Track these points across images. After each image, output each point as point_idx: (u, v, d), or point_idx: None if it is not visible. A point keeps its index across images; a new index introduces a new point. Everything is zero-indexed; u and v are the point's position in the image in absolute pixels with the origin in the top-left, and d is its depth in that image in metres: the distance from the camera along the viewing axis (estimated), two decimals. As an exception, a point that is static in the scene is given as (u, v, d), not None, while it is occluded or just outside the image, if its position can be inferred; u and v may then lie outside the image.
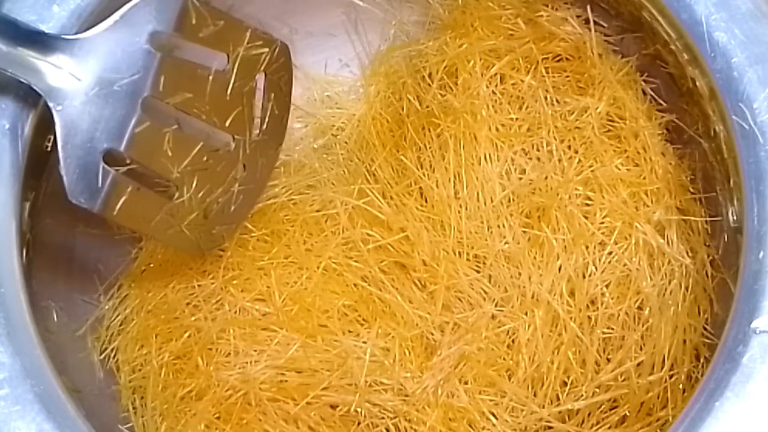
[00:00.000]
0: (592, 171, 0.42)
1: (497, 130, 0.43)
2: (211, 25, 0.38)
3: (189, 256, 0.43)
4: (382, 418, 0.40)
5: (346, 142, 0.47)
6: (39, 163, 0.38)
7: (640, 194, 0.41)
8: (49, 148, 0.38)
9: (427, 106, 0.44)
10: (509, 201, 0.42)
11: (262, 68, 0.40)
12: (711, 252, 0.39)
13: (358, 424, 0.40)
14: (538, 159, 0.43)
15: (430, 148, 0.44)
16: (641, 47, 0.42)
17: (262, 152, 0.41)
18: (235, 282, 0.42)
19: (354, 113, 0.47)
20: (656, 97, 0.42)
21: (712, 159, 0.39)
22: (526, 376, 0.40)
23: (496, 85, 0.44)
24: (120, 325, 0.42)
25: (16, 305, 0.34)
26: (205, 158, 0.38)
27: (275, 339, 0.41)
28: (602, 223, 0.41)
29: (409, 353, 0.41)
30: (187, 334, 0.41)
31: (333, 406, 0.40)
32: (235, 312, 0.42)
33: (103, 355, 0.41)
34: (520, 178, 0.43)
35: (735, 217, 0.37)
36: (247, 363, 0.40)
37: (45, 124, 0.37)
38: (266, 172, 0.43)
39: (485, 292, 0.41)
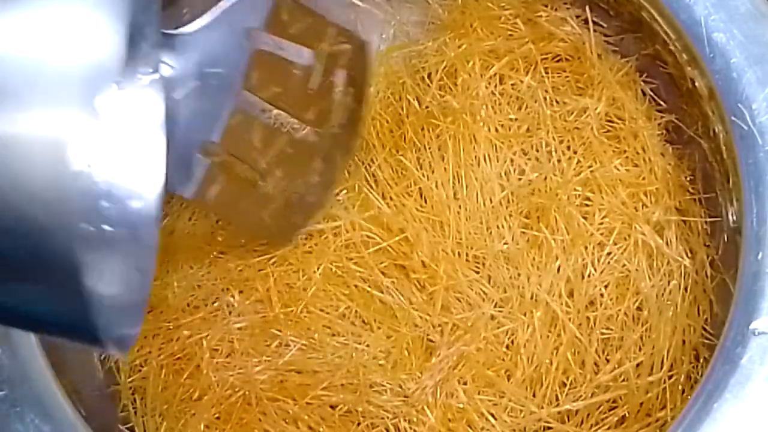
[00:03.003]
0: (591, 171, 0.42)
1: (496, 130, 0.43)
2: (300, 22, 0.39)
3: (191, 257, 0.43)
4: (382, 418, 0.40)
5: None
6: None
7: (639, 195, 0.41)
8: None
9: (427, 107, 0.44)
10: (508, 202, 0.42)
11: (343, 64, 0.41)
12: (710, 252, 0.39)
13: (358, 424, 0.40)
14: (537, 159, 0.43)
15: (429, 148, 0.44)
16: (641, 47, 0.42)
17: (340, 145, 0.42)
18: (234, 284, 0.42)
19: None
20: (656, 97, 0.42)
21: (711, 159, 0.39)
22: (525, 377, 0.40)
23: (495, 86, 0.44)
24: None
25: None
26: (289, 150, 0.40)
27: (275, 341, 0.41)
28: (601, 223, 0.41)
29: (409, 354, 0.41)
30: (187, 335, 0.41)
31: (333, 406, 0.40)
32: (236, 314, 0.42)
33: (103, 356, 0.41)
34: (520, 179, 0.43)
35: (734, 218, 0.37)
36: (247, 363, 0.40)
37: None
38: (342, 165, 0.43)
39: (484, 293, 0.41)
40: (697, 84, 0.38)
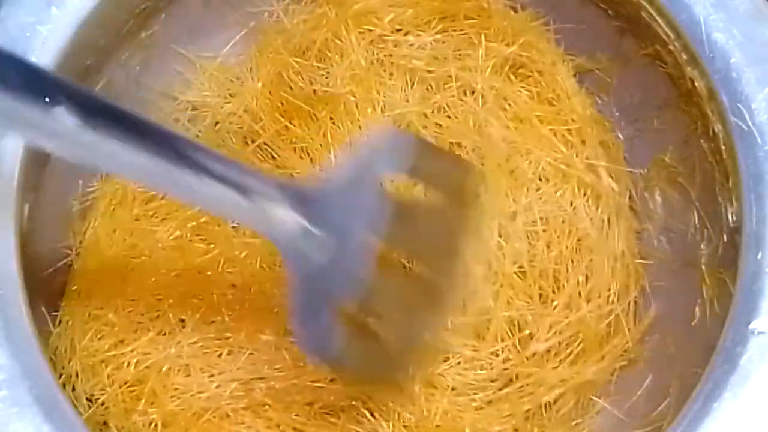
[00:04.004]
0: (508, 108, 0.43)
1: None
2: (433, 164, 0.35)
3: (116, 275, 0.41)
4: (356, 404, 0.39)
5: (240, 127, 0.45)
6: (39, 165, 0.38)
7: (562, 132, 0.42)
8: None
9: (311, 83, 0.44)
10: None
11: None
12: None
13: (338, 417, 0.39)
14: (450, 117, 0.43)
15: (320, 120, 0.43)
16: (640, 47, 0.42)
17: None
18: (176, 295, 0.40)
19: (243, 97, 0.45)
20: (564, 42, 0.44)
21: (711, 159, 0.38)
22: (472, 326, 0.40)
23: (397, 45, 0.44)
24: (65, 352, 0.39)
25: (15, 307, 0.34)
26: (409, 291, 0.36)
27: (228, 349, 0.40)
28: (531, 162, 0.42)
29: None
30: (136, 360, 0.39)
31: (309, 404, 0.39)
32: (185, 328, 0.40)
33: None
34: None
35: (734, 218, 0.37)
36: (206, 380, 0.39)
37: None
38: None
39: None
40: (696, 84, 0.38)
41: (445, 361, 0.40)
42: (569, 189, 0.42)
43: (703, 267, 0.39)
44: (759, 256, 0.34)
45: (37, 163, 0.37)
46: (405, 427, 0.39)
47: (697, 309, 0.39)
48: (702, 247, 0.40)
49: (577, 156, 0.43)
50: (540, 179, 0.42)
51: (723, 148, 0.37)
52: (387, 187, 0.34)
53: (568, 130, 0.43)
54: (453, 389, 0.40)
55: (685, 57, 0.38)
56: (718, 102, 0.36)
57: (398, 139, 0.34)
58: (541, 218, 0.42)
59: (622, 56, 0.43)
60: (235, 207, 0.30)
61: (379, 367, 0.35)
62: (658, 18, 0.39)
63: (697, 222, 0.40)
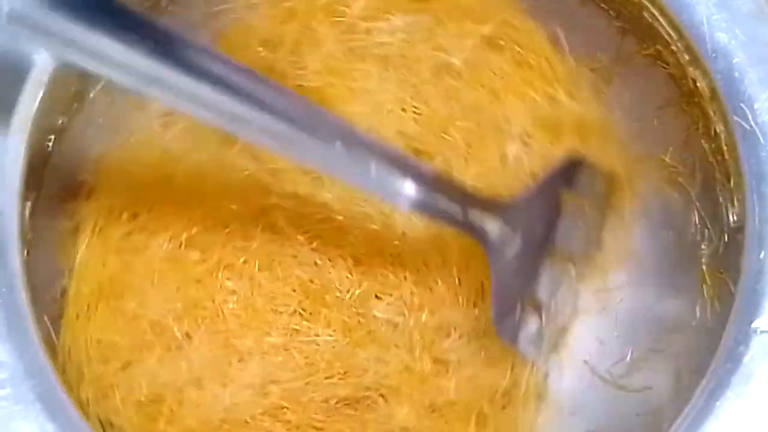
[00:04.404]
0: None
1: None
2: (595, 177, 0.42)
3: (113, 295, 0.40)
4: (371, 394, 0.39)
5: (217, 130, 0.42)
6: (41, 163, 0.38)
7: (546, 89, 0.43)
8: (50, 148, 0.38)
9: (284, 78, 0.43)
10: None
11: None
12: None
13: (356, 408, 0.39)
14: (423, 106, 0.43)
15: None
16: (642, 47, 0.42)
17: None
18: (181, 307, 0.40)
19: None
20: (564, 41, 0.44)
21: (712, 159, 0.39)
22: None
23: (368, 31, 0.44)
24: (73, 379, 0.38)
25: (17, 305, 0.34)
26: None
27: (238, 357, 0.39)
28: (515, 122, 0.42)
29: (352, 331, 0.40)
30: (147, 380, 0.38)
31: (325, 401, 0.39)
32: (192, 341, 0.39)
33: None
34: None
35: (735, 218, 0.37)
36: (219, 391, 0.39)
37: (45, 124, 0.37)
38: None
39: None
40: (698, 84, 0.38)
41: (447, 336, 0.40)
42: (558, 144, 0.42)
43: (704, 267, 0.39)
44: (761, 256, 0.34)
45: (37, 163, 0.37)
46: (421, 406, 0.39)
47: (697, 309, 0.39)
48: (702, 247, 0.40)
49: (564, 109, 0.43)
50: (527, 135, 0.42)
51: (725, 148, 0.37)
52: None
53: (552, 87, 0.43)
54: (460, 363, 0.40)
55: (687, 57, 0.38)
56: (721, 102, 0.37)
57: (574, 163, 0.41)
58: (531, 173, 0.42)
59: (624, 56, 0.43)
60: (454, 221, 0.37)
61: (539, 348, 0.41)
62: (660, 18, 0.39)
63: (697, 222, 0.40)
